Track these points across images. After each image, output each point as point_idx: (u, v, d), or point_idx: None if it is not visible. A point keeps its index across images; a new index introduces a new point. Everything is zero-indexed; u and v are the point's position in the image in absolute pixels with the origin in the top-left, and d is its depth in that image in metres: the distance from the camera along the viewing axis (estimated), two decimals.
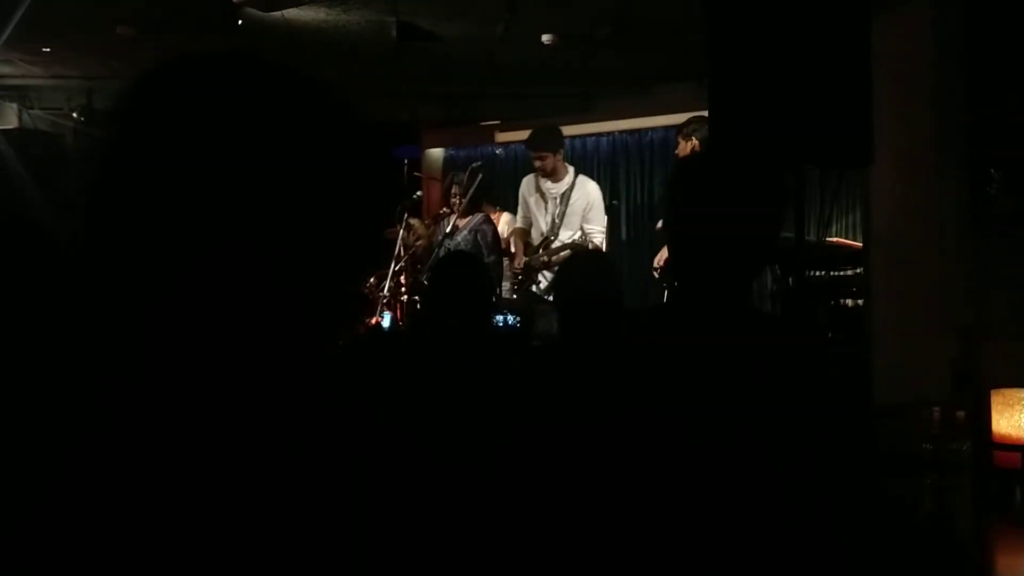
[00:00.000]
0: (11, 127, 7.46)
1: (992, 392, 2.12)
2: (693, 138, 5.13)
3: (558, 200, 5.69)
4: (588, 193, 5.69)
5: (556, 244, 5.67)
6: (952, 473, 1.99)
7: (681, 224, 1.84)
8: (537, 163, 5.73)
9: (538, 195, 5.82)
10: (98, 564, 0.72)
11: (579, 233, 5.65)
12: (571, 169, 5.81)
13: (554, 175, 5.71)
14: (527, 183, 5.98)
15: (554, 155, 5.69)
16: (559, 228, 5.66)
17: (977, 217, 3.49)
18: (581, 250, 5.36)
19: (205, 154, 0.78)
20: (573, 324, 2.94)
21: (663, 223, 2.38)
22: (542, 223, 5.77)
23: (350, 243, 0.85)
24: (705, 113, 5.27)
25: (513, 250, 6.04)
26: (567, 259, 5.06)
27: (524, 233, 5.91)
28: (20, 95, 8.07)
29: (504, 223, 6.49)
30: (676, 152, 5.37)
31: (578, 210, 5.65)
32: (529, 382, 2.80)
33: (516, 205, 6.35)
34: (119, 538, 0.73)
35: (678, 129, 5.37)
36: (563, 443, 1.84)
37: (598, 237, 5.64)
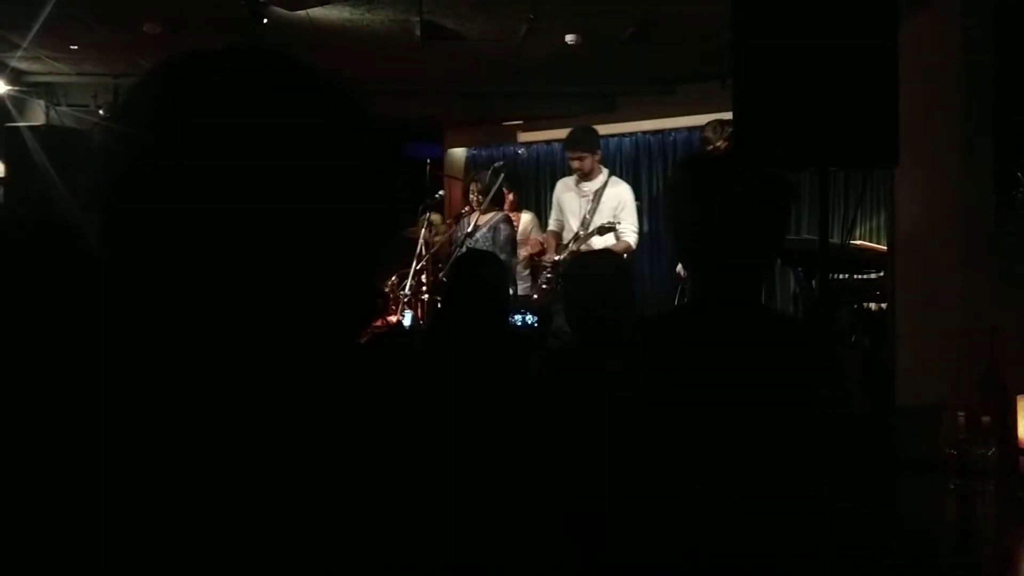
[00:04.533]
0: (38, 124, 7.52)
1: (1018, 397, 2.09)
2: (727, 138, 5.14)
3: (590, 198, 5.69)
4: (620, 193, 5.70)
5: (583, 235, 5.66)
6: (977, 478, 1.97)
7: (684, 226, 1.83)
8: (575, 164, 5.72)
9: (571, 194, 5.83)
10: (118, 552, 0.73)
11: (611, 234, 5.64)
12: (605, 171, 5.82)
13: (589, 175, 5.72)
14: (561, 184, 6.01)
15: (592, 155, 5.70)
16: (589, 224, 5.65)
17: (1003, 220, 3.45)
18: (592, 250, 5.35)
19: (220, 150, 0.78)
20: (583, 323, 2.93)
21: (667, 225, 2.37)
22: (573, 222, 5.77)
23: (366, 240, 0.85)
24: (721, 116, 5.33)
25: (545, 249, 6.07)
26: (575, 258, 5.04)
27: (556, 236, 5.91)
28: (47, 92, 8.14)
29: (526, 222, 6.50)
30: None
31: (609, 208, 5.63)
32: (546, 381, 2.80)
33: (538, 205, 6.33)
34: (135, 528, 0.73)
35: (703, 139, 5.38)
36: (576, 440, 1.84)
37: (631, 236, 5.62)
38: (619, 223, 5.57)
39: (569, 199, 5.83)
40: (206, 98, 0.79)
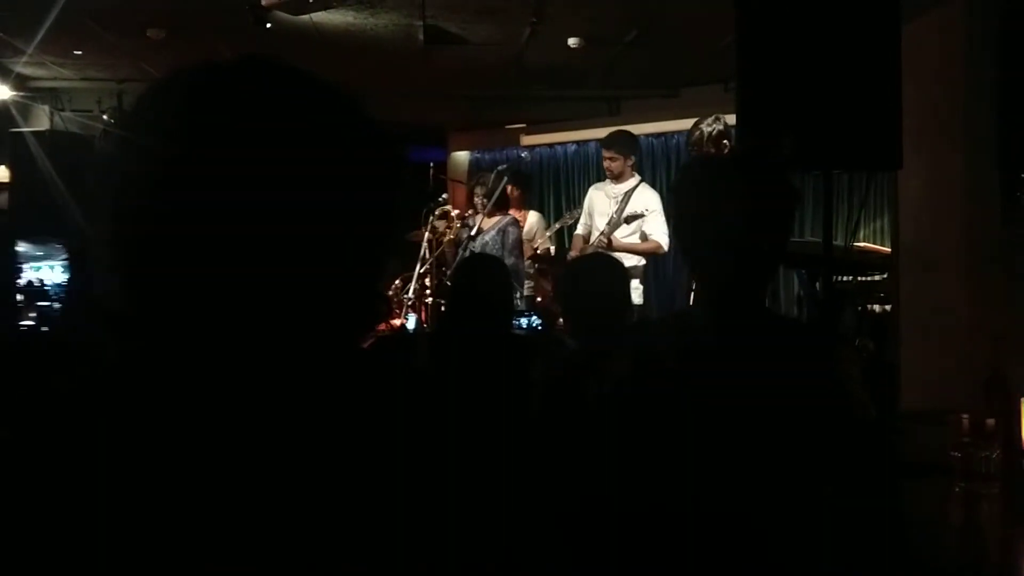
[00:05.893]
0: (42, 129, 7.53)
1: (1022, 400, 2.09)
2: (711, 141, 5.17)
3: (619, 199, 5.73)
4: (648, 197, 5.73)
5: (608, 229, 5.68)
6: (982, 481, 1.97)
7: (688, 228, 1.83)
8: (606, 163, 5.80)
9: (600, 193, 5.89)
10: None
11: (636, 233, 5.66)
12: (637, 176, 5.87)
13: (619, 178, 5.77)
14: (593, 188, 6.11)
15: (624, 159, 5.76)
16: (616, 225, 5.68)
17: (1007, 222, 3.45)
18: (586, 253, 5.36)
19: (236, 157, 0.78)
20: (581, 325, 2.93)
21: (672, 227, 2.38)
22: (601, 222, 5.80)
23: (373, 243, 0.86)
24: (708, 117, 5.32)
25: (541, 253, 6.12)
26: (572, 261, 5.05)
27: (583, 240, 5.94)
28: (51, 97, 8.16)
29: (531, 223, 6.50)
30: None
31: (636, 211, 5.66)
32: (550, 383, 2.80)
33: (541, 208, 6.34)
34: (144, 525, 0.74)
35: (695, 140, 5.39)
36: (580, 442, 1.84)
37: (662, 238, 5.63)
38: (647, 213, 5.60)
39: (599, 198, 5.89)
40: (222, 107, 0.80)
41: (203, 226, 0.78)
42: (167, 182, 0.78)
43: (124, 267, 0.81)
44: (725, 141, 5.27)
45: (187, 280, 0.79)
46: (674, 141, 8.21)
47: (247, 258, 0.78)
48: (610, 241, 5.59)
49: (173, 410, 0.79)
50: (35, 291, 6.21)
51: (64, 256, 6.81)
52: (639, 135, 8.33)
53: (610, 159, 5.77)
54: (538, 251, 6.37)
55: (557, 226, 6.78)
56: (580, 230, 6.06)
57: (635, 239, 5.63)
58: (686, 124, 6.50)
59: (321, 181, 0.81)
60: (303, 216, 0.80)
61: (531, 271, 6.33)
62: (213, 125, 0.79)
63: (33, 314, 5.77)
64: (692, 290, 5.34)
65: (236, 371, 0.81)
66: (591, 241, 5.81)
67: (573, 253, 5.93)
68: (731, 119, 5.56)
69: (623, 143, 5.84)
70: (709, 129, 5.26)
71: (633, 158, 5.87)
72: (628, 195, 5.70)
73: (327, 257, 0.82)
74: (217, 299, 0.79)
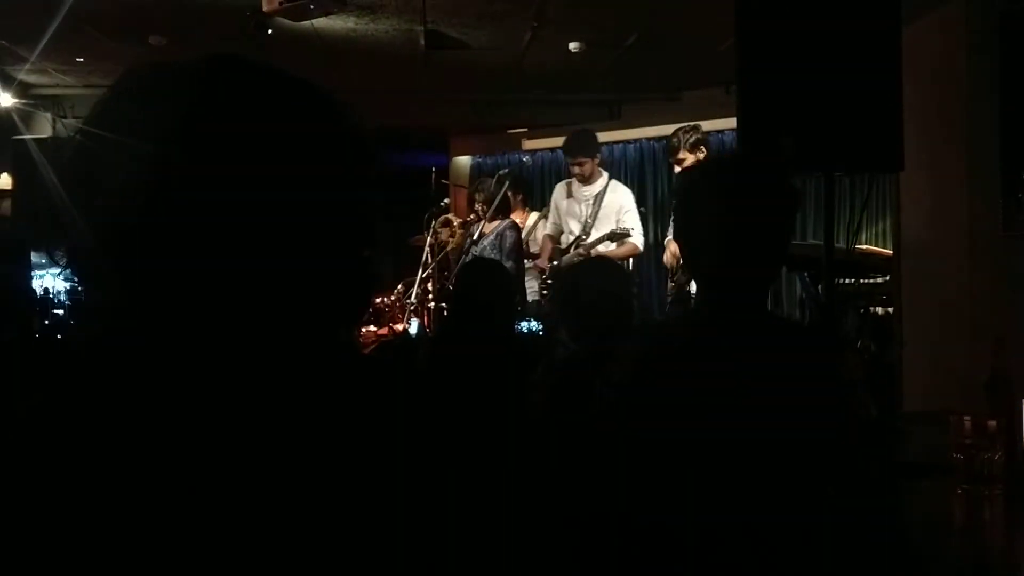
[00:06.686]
0: (45, 136, 7.55)
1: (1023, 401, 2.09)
2: (688, 148, 5.21)
3: (591, 202, 5.67)
4: (621, 197, 5.68)
5: (590, 241, 5.63)
6: (984, 483, 1.97)
7: (690, 230, 1.84)
8: (575, 169, 5.72)
9: (570, 199, 5.80)
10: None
11: (616, 228, 5.61)
12: (605, 174, 5.80)
13: (589, 179, 5.70)
14: (559, 189, 6.00)
15: (591, 160, 5.68)
16: (591, 229, 5.64)
17: (1008, 224, 3.45)
18: (587, 258, 5.36)
19: (210, 157, 0.79)
20: (581, 329, 2.92)
21: (673, 232, 2.39)
22: (574, 226, 5.74)
23: (349, 243, 0.86)
24: (686, 124, 5.34)
25: (539, 253, 6.07)
26: (572, 266, 5.05)
27: (553, 239, 5.90)
28: (54, 104, 8.18)
29: (531, 224, 6.50)
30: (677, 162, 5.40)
31: (611, 212, 5.63)
32: (552, 387, 2.80)
33: (543, 209, 6.33)
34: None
35: (672, 147, 5.40)
36: (582, 445, 1.84)
37: (638, 239, 5.61)
38: (632, 229, 5.57)
39: (569, 204, 5.82)
40: (191, 108, 0.80)
41: (178, 224, 0.78)
42: (150, 183, 0.78)
43: (109, 265, 0.81)
44: (702, 147, 5.31)
45: (166, 277, 0.79)
46: None
47: (222, 253, 0.79)
48: (580, 245, 5.58)
49: (168, 411, 0.79)
50: (39, 300, 6.18)
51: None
52: (641, 139, 8.37)
53: (578, 164, 5.68)
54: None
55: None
56: (549, 230, 5.97)
57: (612, 244, 5.60)
58: None
59: (289, 179, 0.81)
60: (273, 212, 0.80)
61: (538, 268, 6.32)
62: (186, 126, 0.80)
63: (46, 322, 5.73)
64: (670, 295, 5.36)
65: (230, 370, 0.81)
66: (563, 245, 5.77)
67: (543, 257, 5.86)
68: (708, 126, 5.63)
69: (587, 146, 5.74)
70: (687, 137, 5.30)
71: (599, 156, 5.79)
72: (600, 197, 5.64)
73: (299, 252, 0.81)
74: (195, 296, 0.79)
